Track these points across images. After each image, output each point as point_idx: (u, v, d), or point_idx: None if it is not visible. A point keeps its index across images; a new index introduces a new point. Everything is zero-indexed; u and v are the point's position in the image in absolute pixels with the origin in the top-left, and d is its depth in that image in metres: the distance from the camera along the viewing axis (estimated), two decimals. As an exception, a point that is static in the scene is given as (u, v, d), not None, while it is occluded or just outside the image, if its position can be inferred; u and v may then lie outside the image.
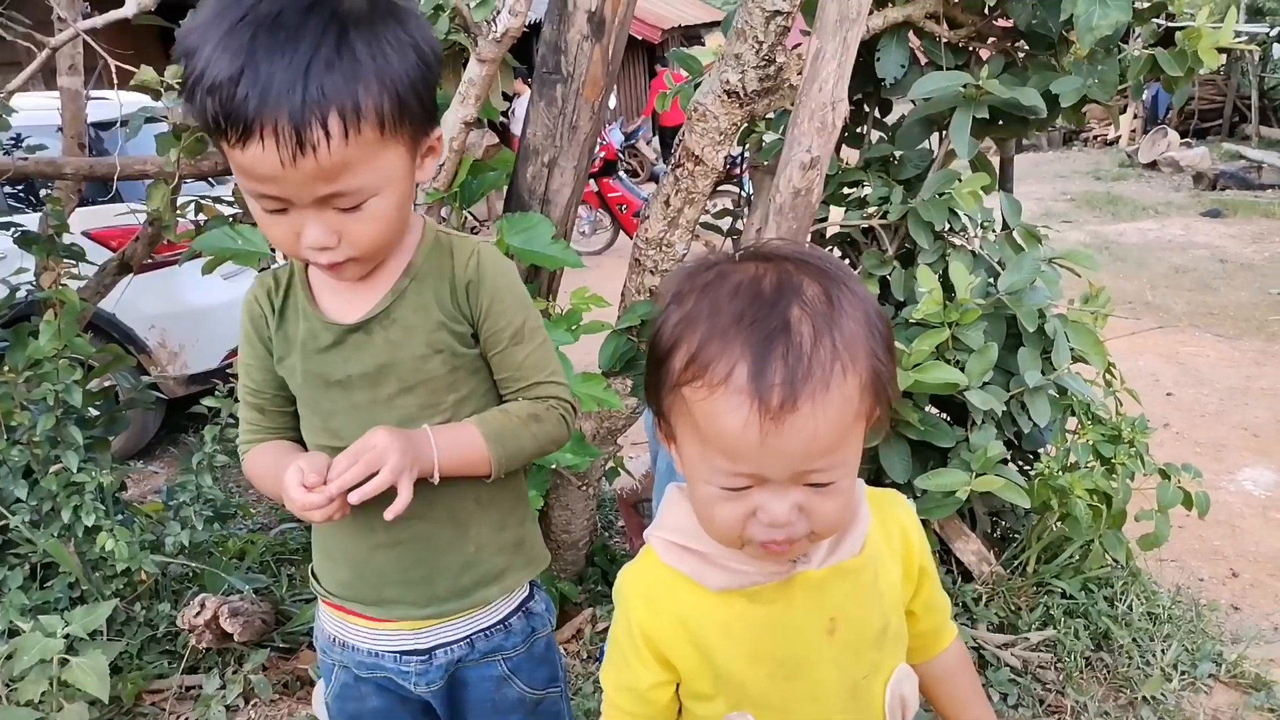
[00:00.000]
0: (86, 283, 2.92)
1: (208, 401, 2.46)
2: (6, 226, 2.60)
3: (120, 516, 2.51)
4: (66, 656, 2.02)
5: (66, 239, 2.60)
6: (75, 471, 2.31)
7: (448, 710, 1.22)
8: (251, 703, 2.27)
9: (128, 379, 2.97)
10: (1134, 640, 2.22)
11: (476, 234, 1.73)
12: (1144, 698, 2.06)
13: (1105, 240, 8.48)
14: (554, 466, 2.35)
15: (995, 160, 2.66)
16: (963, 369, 2.11)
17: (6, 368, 2.33)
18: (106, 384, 3.03)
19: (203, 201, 2.54)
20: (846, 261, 2.61)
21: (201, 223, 2.62)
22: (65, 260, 2.44)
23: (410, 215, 1.08)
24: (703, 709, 0.92)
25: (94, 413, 2.66)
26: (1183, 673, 2.14)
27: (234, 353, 4.84)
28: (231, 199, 2.54)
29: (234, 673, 2.30)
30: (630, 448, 3.57)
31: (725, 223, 2.97)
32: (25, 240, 2.56)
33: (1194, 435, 4.67)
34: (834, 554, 0.90)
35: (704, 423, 0.77)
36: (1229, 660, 2.17)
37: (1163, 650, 2.20)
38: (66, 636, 2.03)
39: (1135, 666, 2.15)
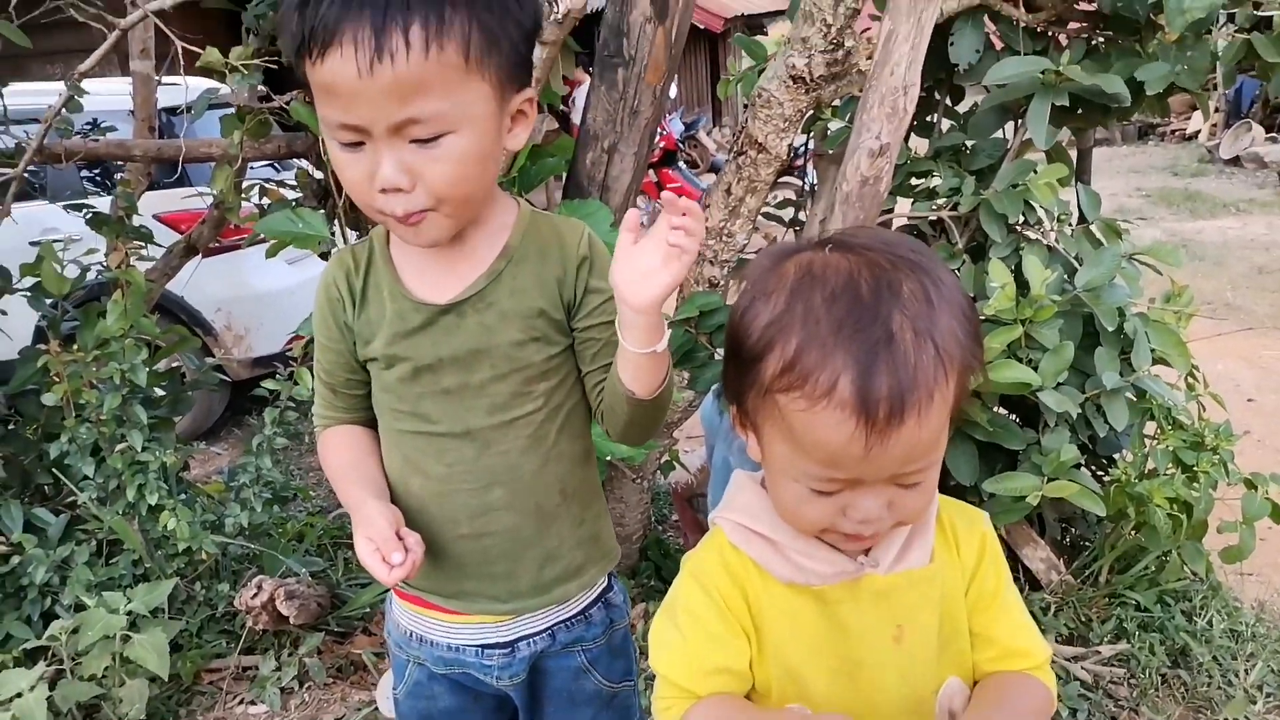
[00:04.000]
0: (154, 265, 2.97)
1: (269, 384, 2.48)
2: (80, 208, 2.65)
3: (183, 496, 2.55)
4: (129, 633, 2.06)
5: (136, 221, 2.64)
6: (140, 450, 2.35)
7: (526, 701, 1.21)
8: (306, 685, 2.28)
9: (193, 360, 3.02)
10: (1214, 658, 2.11)
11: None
12: None
13: (1183, 238, 8.15)
14: (609, 459, 2.32)
15: (1072, 152, 2.56)
16: (1035, 368, 2.02)
17: (76, 347, 2.37)
18: (173, 365, 3.09)
19: (266, 185, 2.56)
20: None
21: (265, 206, 2.64)
22: (133, 241, 2.47)
23: (495, 179, 1.03)
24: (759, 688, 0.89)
25: (160, 393, 2.70)
26: (1268, 695, 2.02)
27: (297, 336, 4.94)
28: (294, 183, 2.55)
29: (289, 655, 2.32)
30: (685, 441, 3.53)
31: (787, 213, 2.90)
32: (96, 221, 2.61)
33: (1276, 442, 4.47)
34: (902, 560, 0.87)
35: (802, 431, 0.75)
36: (1319, 683, 2.06)
37: (1246, 670, 2.08)
38: (129, 614, 2.06)
39: (1216, 686, 2.04)
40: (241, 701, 2.26)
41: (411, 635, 1.18)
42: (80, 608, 2.18)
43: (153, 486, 2.36)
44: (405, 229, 0.97)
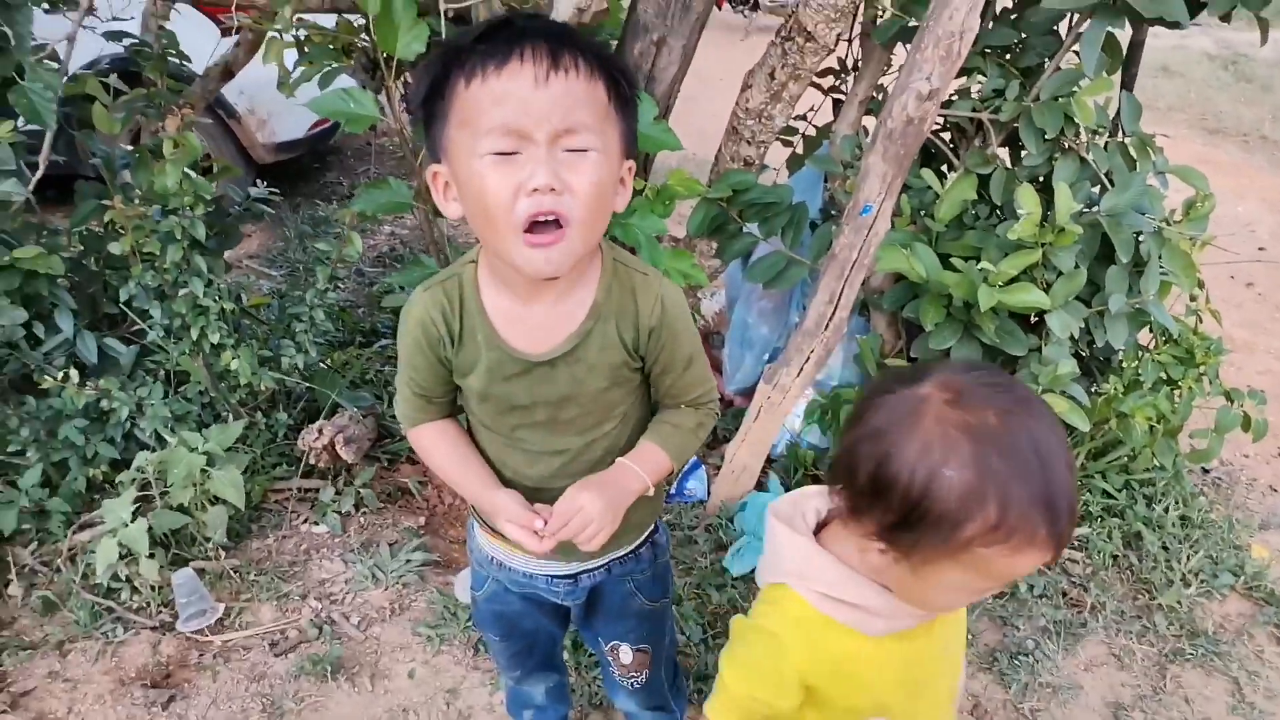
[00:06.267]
0: (193, 87, 3.00)
1: (322, 245, 2.59)
2: (119, 36, 2.65)
3: (244, 324, 2.75)
4: (207, 469, 2.32)
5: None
6: (201, 296, 2.52)
7: (582, 612, 1.47)
8: (361, 511, 2.59)
9: (237, 192, 3.09)
10: (1163, 545, 2.38)
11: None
12: (1159, 605, 2.25)
13: (1234, 53, 7.82)
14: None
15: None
16: (1049, 287, 2.14)
17: (139, 193, 2.47)
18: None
19: (312, 33, 2.53)
20: (952, 146, 2.56)
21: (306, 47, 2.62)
22: (185, 108, 2.48)
23: (607, 225, 1.11)
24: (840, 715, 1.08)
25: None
26: (1202, 580, 2.32)
27: (319, 123, 4.93)
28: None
29: (345, 485, 2.61)
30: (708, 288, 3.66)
31: (826, 81, 2.88)
32: (139, 54, 2.63)
33: (1275, 297, 4.59)
34: None
35: (1000, 569, 0.90)
36: (1249, 573, 2.34)
37: (1188, 556, 2.37)
38: (206, 453, 2.32)
39: (1160, 571, 2.33)
40: (305, 521, 2.57)
41: (492, 559, 1.42)
42: (159, 437, 2.45)
43: (214, 327, 2.55)
44: (536, 250, 1.02)
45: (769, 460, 2.75)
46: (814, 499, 1.09)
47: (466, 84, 0.98)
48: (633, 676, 1.53)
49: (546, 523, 1.16)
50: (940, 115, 2.45)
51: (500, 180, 0.99)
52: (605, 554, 1.37)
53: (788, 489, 2.58)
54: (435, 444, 1.29)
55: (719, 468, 2.63)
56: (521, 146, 0.98)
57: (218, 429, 2.41)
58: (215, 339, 2.57)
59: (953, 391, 0.90)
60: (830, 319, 2.17)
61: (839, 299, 2.15)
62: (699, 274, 2.42)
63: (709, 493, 2.64)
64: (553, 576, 1.38)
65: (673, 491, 2.68)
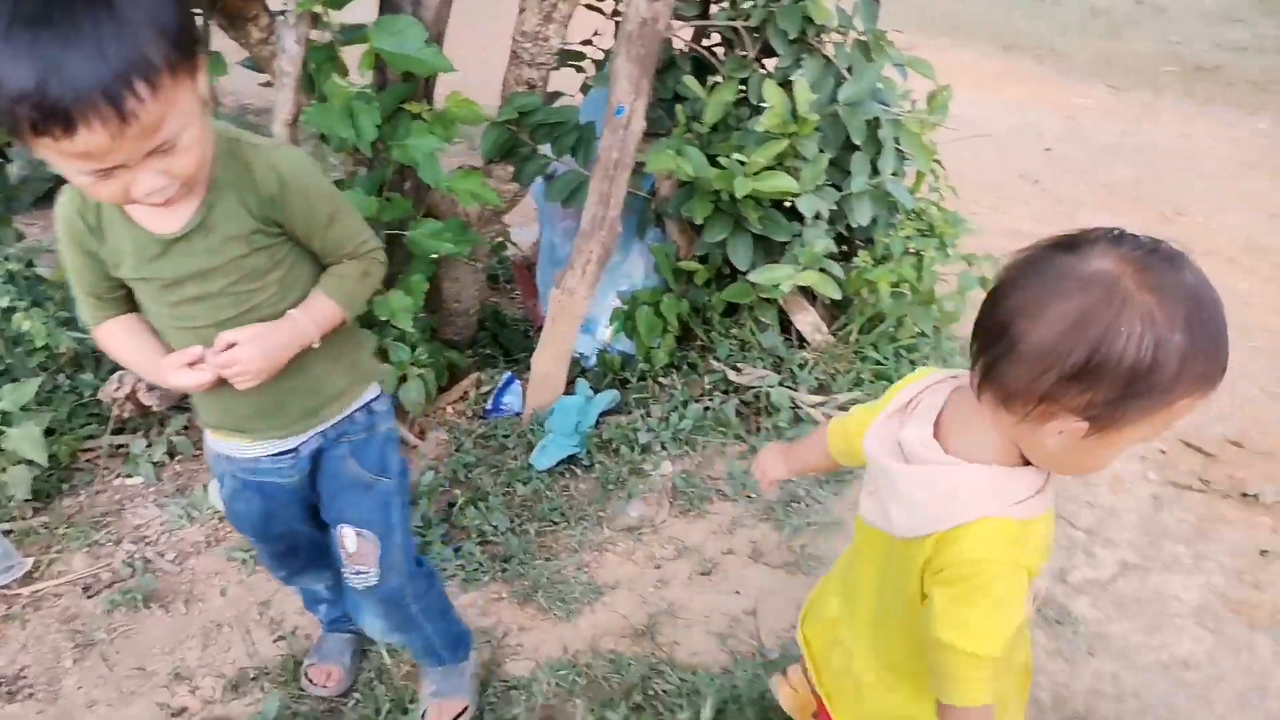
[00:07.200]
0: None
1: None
2: None
3: (39, 290, 2.69)
4: (3, 428, 2.30)
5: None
6: (-19, 258, 2.47)
7: (310, 486, 1.52)
8: (176, 458, 2.60)
9: (23, 155, 3.00)
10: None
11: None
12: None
13: (1031, -26, 8.34)
14: (435, 256, 2.57)
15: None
16: (799, 176, 2.34)
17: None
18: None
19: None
20: (724, 55, 2.73)
21: None
22: None
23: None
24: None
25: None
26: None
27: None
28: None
29: (158, 434, 2.61)
30: (517, 216, 3.76)
31: (607, 5, 3.00)
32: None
33: (1058, 191, 5.02)
34: None
35: (1179, 415, 0.96)
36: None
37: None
38: (2, 412, 2.30)
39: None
40: (118, 476, 2.57)
41: (220, 456, 1.49)
42: (-49, 406, 2.40)
43: (2, 290, 2.51)
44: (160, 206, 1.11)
45: (583, 371, 2.90)
46: (893, 427, 1.11)
47: (36, 137, 0.95)
48: (360, 570, 1.53)
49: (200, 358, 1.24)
50: (699, 25, 2.62)
51: (109, 189, 1.04)
52: (315, 427, 1.44)
53: (596, 392, 2.73)
54: (115, 338, 1.32)
55: (532, 381, 2.76)
56: (118, 168, 1.01)
57: (11, 388, 2.38)
58: (4, 302, 2.52)
59: (1133, 262, 0.93)
60: (604, 219, 2.32)
61: (609, 199, 2.29)
62: (489, 194, 2.51)
63: (524, 405, 2.76)
64: (275, 455, 1.44)
65: (489, 407, 2.80)
